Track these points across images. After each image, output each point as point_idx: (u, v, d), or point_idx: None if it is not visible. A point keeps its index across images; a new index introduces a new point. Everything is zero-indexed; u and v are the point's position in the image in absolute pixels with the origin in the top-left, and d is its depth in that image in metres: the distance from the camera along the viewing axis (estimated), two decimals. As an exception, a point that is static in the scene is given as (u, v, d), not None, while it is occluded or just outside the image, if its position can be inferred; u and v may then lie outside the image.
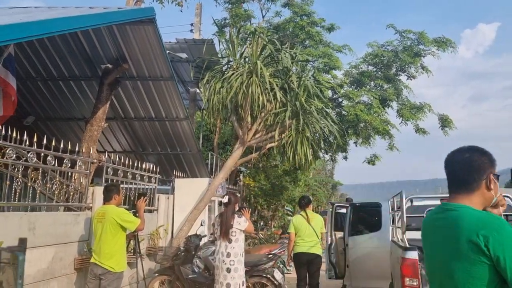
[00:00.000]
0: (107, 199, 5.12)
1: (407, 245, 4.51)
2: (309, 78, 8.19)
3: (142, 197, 5.62)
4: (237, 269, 5.46)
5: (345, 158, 14.75)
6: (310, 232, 6.54)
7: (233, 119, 8.50)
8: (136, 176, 7.49)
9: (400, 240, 4.88)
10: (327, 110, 8.82)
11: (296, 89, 7.78)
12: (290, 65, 7.83)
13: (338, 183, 38.46)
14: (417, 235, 6.25)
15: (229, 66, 8.82)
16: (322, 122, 8.48)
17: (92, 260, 4.96)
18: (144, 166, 7.80)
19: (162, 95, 9.15)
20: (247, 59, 8.49)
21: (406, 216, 6.31)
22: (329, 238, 7.66)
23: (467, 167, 1.80)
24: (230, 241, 5.48)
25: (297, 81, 7.93)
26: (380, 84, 11.95)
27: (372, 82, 12.41)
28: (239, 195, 13.90)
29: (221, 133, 14.85)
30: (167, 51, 9.31)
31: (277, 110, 7.89)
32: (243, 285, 5.59)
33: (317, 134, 9.42)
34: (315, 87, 8.21)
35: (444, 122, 12.19)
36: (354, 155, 15.72)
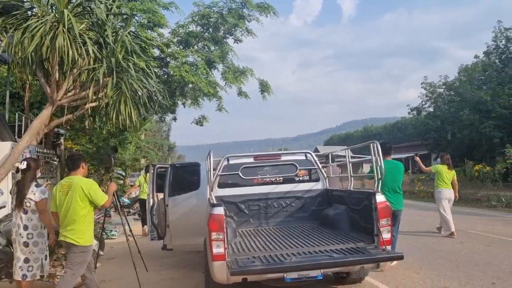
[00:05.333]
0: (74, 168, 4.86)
1: (214, 202, 4.67)
2: (127, 33, 7.63)
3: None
4: (36, 242, 4.93)
5: (174, 119, 14.70)
6: None
7: (40, 75, 7.49)
8: None
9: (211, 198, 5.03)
10: (148, 69, 8.46)
11: (112, 44, 7.20)
12: (104, 17, 7.16)
13: (172, 145, 38.46)
14: (233, 191, 6.62)
15: (33, 13, 7.65)
16: (144, 81, 8.11)
17: None
18: None
19: None
20: (54, 7, 7.47)
21: (223, 174, 6.60)
22: (151, 200, 7.54)
23: None
24: (25, 212, 4.89)
25: (113, 36, 7.34)
26: (208, 46, 12.01)
27: (200, 43, 12.39)
28: (57, 160, 12.65)
29: (33, 91, 13.09)
30: None
31: (90, 66, 7.22)
32: (46, 259, 5.10)
33: (139, 93, 9.03)
34: (134, 44, 7.74)
35: (264, 87, 13.00)
36: (187, 116, 15.73)
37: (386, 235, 4.64)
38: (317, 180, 6.81)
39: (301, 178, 6.79)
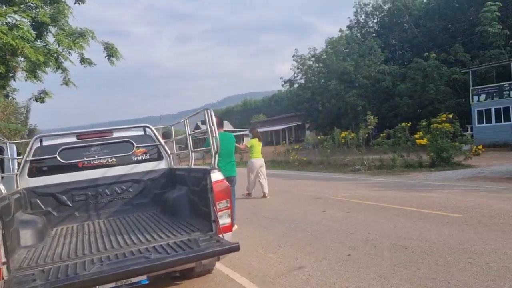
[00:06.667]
0: None
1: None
2: None
3: None
4: None
5: (6, 96, 12.28)
6: None
7: None
8: None
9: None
10: None
11: None
12: None
13: (33, 129, 33.83)
14: (50, 180, 5.22)
15: None
16: None
17: None
18: None
19: None
20: None
21: (35, 159, 5.19)
22: None
23: None
24: None
25: None
26: (36, 4, 9.93)
27: (30, 3, 10.22)
28: None
29: None
30: None
31: None
32: None
33: None
34: None
35: (110, 51, 11.36)
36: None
37: (225, 220, 3.82)
38: (159, 158, 5.76)
39: (139, 158, 5.67)
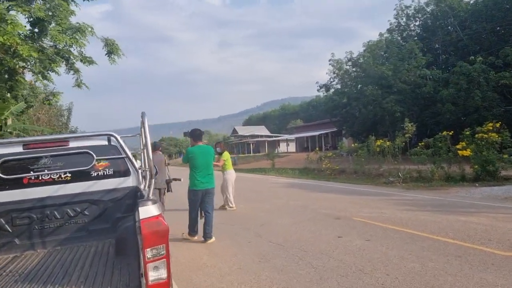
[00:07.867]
0: None
1: None
2: None
3: None
4: None
5: (15, 98, 11.76)
6: None
7: None
8: None
9: None
10: None
11: None
12: None
13: (72, 131, 34.07)
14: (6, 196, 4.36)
15: None
16: None
17: None
18: None
19: None
20: None
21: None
22: None
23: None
24: None
25: None
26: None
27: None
28: None
29: None
30: None
31: None
32: None
33: None
34: None
35: (110, 47, 10.48)
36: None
37: (159, 275, 2.68)
38: (125, 174, 4.73)
39: (101, 173, 4.67)
